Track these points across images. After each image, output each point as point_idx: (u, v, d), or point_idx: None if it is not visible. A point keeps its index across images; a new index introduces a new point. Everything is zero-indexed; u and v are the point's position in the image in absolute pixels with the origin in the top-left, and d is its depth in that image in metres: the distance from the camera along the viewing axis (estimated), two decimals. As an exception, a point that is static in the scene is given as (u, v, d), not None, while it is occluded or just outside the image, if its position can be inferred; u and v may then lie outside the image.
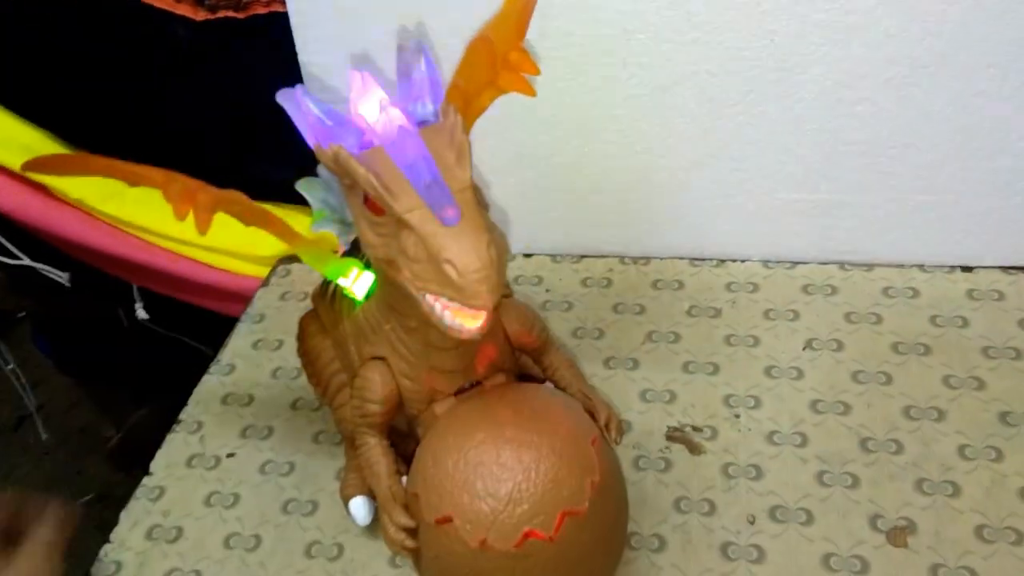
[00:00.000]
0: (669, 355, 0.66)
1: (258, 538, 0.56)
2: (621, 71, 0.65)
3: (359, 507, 0.54)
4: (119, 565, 0.56)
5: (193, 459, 0.62)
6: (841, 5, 0.60)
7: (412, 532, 0.45)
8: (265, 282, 0.78)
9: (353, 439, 0.50)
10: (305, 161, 0.47)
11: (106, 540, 0.57)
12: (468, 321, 0.39)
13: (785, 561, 0.51)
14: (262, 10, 0.72)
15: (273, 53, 0.72)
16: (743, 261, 0.73)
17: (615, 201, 0.73)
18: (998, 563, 0.50)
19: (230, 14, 0.74)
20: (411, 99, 0.44)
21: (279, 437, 0.63)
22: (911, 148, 0.65)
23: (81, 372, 1.14)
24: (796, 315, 0.67)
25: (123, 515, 0.59)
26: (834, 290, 0.69)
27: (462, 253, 0.37)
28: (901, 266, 0.70)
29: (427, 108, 0.44)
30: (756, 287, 0.70)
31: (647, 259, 0.74)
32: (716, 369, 0.64)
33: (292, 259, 0.79)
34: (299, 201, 0.49)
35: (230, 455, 0.62)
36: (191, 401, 0.67)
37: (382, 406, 0.48)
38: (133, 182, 0.43)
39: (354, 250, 0.52)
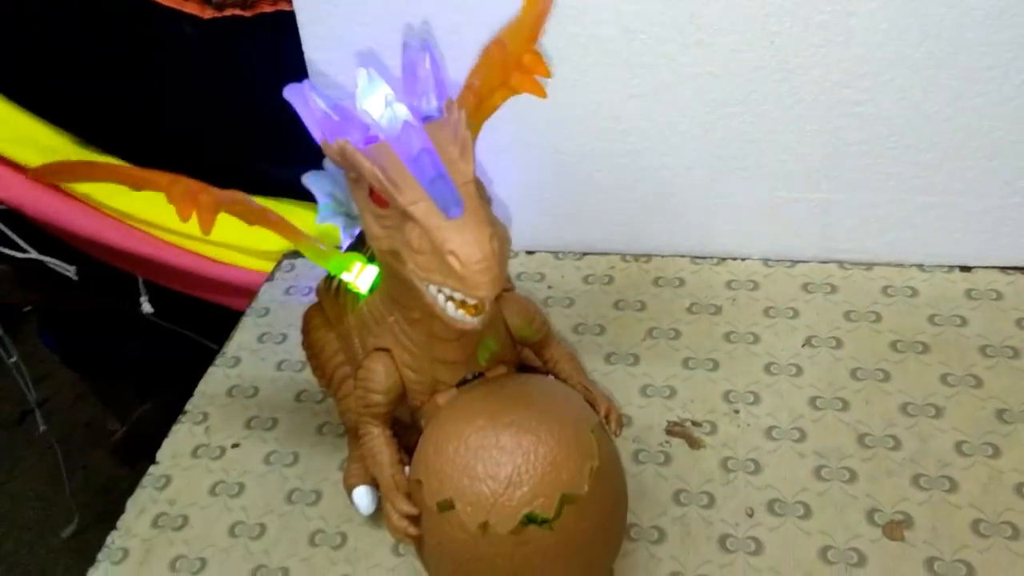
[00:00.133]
0: (669, 351, 0.66)
1: (263, 527, 0.57)
2: (624, 71, 0.66)
3: (362, 496, 0.55)
4: (125, 552, 0.56)
5: (199, 449, 0.63)
6: (842, 7, 0.60)
7: (415, 520, 0.45)
8: (270, 277, 0.79)
9: (357, 430, 0.51)
10: (308, 159, 0.48)
11: (113, 528, 0.58)
12: (469, 312, 0.40)
13: (783, 553, 0.52)
14: (268, 8, 0.73)
15: (279, 51, 0.72)
16: (744, 259, 0.73)
17: (617, 199, 0.73)
18: (993, 557, 0.51)
19: (237, 12, 0.75)
20: (416, 95, 0.45)
21: (283, 428, 0.64)
22: (911, 148, 0.66)
23: (86, 366, 1.15)
24: (796, 313, 0.68)
25: (129, 503, 0.59)
26: (834, 289, 0.70)
27: (465, 245, 0.38)
28: (900, 265, 0.71)
29: (431, 104, 0.45)
30: (756, 285, 0.71)
31: (648, 257, 0.75)
32: (716, 365, 0.65)
33: (297, 254, 0.80)
34: (304, 197, 0.49)
35: (235, 445, 0.63)
36: (196, 393, 0.68)
37: (386, 396, 0.49)
38: (137, 186, 0.44)
39: (357, 245, 0.52)
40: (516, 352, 0.53)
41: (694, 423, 0.60)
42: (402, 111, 0.42)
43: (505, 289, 0.51)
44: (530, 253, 0.77)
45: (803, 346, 0.65)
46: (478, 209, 0.39)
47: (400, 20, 0.66)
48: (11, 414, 1.33)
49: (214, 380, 0.68)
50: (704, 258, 0.74)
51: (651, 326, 0.69)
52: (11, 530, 1.21)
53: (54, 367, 1.21)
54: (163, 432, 0.64)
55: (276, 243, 0.80)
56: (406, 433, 0.51)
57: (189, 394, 0.68)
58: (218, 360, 0.70)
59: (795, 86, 0.64)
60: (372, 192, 0.42)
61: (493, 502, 0.41)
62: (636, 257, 0.75)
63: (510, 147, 0.71)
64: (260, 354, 0.70)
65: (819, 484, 0.56)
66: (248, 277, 0.83)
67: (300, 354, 0.58)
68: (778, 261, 0.73)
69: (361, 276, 0.50)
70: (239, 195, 0.45)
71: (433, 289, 0.40)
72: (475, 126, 0.46)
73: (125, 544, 0.57)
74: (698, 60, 0.64)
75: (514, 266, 0.76)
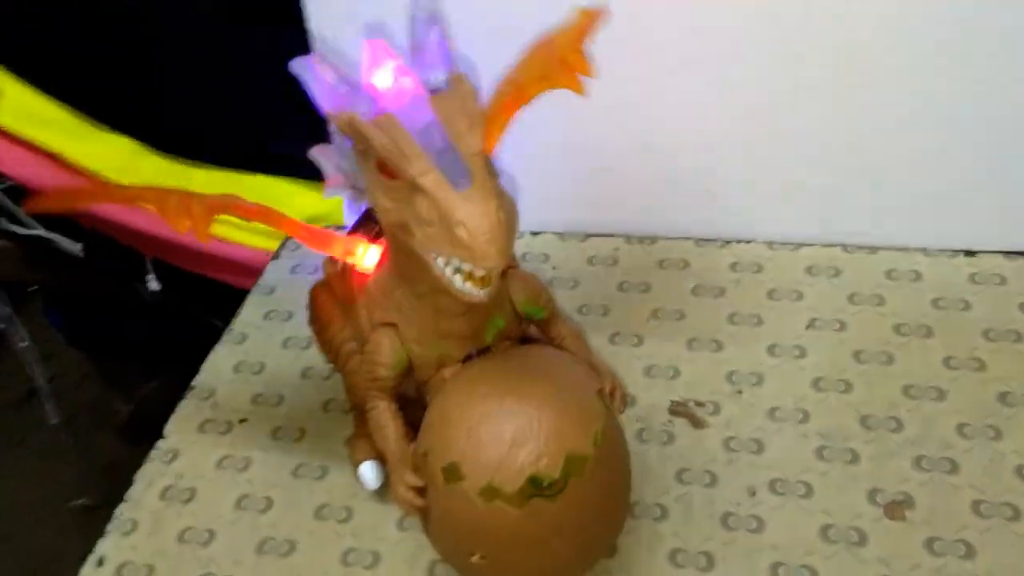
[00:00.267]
0: (673, 332, 0.66)
1: (269, 500, 0.58)
2: (628, 55, 0.66)
3: (368, 471, 0.55)
4: (134, 523, 0.57)
5: (206, 424, 0.63)
6: (848, -9, 0.60)
7: (420, 491, 0.46)
8: (276, 255, 0.79)
9: (363, 404, 0.52)
10: (313, 138, 0.47)
11: (121, 500, 0.59)
12: (477, 285, 0.41)
13: (784, 531, 0.52)
14: None
15: (284, 31, 0.72)
16: (748, 242, 0.74)
17: (622, 182, 0.73)
18: (993, 537, 0.51)
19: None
20: (423, 68, 0.45)
21: (290, 404, 0.64)
22: (915, 133, 0.66)
23: (92, 346, 1.16)
24: (800, 295, 0.68)
25: (138, 476, 0.60)
26: (837, 272, 0.70)
27: (473, 215, 0.38)
28: (905, 249, 0.71)
29: (439, 77, 0.45)
30: (760, 268, 0.71)
31: (653, 239, 0.75)
32: (719, 347, 0.65)
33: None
34: (312, 177, 0.49)
35: (242, 420, 0.63)
36: (203, 369, 0.68)
37: (392, 370, 0.49)
38: (130, 204, 0.44)
39: (360, 226, 0.53)
40: (522, 330, 0.53)
41: (697, 403, 0.61)
42: (410, 83, 0.42)
43: (510, 267, 0.51)
44: (535, 234, 0.77)
45: (807, 328, 0.65)
46: (486, 180, 0.40)
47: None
48: (18, 393, 1.33)
49: (220, 357, 0.69)
50: (709, 240, 0.74)
51: (655, 307, 0.69)
52: (17, 509, 1.21)
53: (59, 347, 1.22)
54: (169, 412, 0.65)
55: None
56: (412, 408, 0.52)
57: (195, 374, 0.68)
58: (225, 337, 0.71)
59: (800, 71, 0.64)
60: (380, 164, 0.42)
61: (498, 463, 0.42)
62: (640, 239, 0.75)
63: (514, 129, 0.71)
64: (266, 331, 0.71)
65: (821, 464, 0.56)
66: (254, 255, 0.83)
67: (306, 332, 0.59)
68: (782, 244, 0.73)
69: (365, 257, 0.51)
70: (233, 196, 0.46)
71: (441, 261, 0.41)
72: (506, 117, 0.46)
73: (134, 515, 0.57)
74: (702, 43, 0.64)
75: (519, 247, 0.75)
